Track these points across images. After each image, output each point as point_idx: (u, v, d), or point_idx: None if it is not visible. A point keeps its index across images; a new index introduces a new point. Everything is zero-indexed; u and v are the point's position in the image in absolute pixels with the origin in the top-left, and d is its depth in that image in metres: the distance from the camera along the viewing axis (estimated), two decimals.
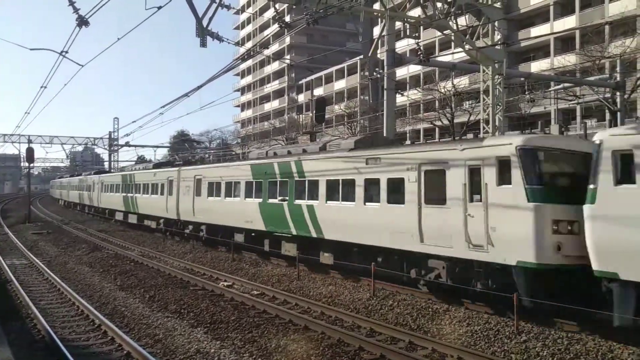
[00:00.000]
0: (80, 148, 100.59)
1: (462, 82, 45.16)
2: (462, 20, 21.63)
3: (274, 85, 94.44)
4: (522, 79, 33.57)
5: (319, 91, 71.53)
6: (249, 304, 15.19)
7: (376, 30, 39.94)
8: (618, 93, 29.85)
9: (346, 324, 13.07)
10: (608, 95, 31.20)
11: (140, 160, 66.59)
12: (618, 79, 29.86)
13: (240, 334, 12.17)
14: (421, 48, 22.98)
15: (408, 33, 21.77)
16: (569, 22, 46.81)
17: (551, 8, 49.94)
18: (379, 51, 28.48)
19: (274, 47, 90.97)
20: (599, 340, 10.83)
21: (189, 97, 23.23)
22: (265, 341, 11.52)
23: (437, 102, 48.19)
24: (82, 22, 13.76)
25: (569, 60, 40.30)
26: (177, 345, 11.37)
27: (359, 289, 16.49)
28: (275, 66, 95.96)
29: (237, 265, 22.02)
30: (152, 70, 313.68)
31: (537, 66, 48.83)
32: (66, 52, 16.30)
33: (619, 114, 29.61)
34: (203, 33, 16.49)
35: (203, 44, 16.58)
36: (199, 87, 21.91)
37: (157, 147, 65.37)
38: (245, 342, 11.54)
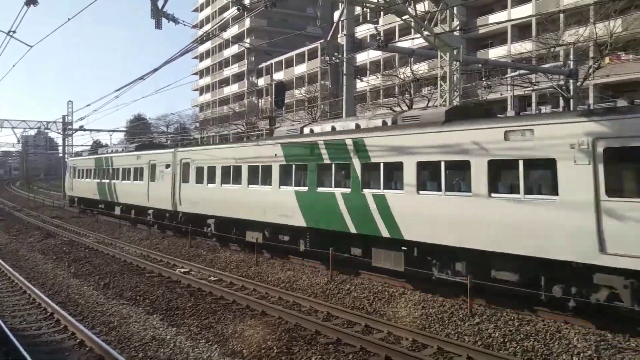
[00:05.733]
0: (32, 132, 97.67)
1: (422, 68, 45.44)
2: (421, 6, 21.70)
3: (233, 69, 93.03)
4: (480, 65, 34.01)
5: (279, 75, 70.80)
6: (205, 290, 15.09)
7: (336, 15, 39.71)
8: (571, 80, 30.62)
9: (304, 309, 13.13)
10: (562, 82, 31.98)
11: (96, 145, 65.17)
12: (571, 66, 30.63)
13: (196, 320, 12.08)
14: (380, 33, 22.97)
15: (367, 18, 21.72)
16: (526, 10, 47.50)
17: None
18: (338, 36, 28.37)
19: (234, 30, 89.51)
20: (547, 322, 11.19)
21: (144, 80, 22.74)
22: (222, 327, 11.48)
23: (396, 87, 48.40)
24: (30, 0, 13.21)
25: (525, 47, 40.99)
26: (133, 333, 11.22)
27: (317, 273, 16.59)
28: (234, 49, 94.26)
29: (195, 251, 21.83)
30: (108, 54, 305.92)
31: (494, 53, 49.50)
32: (14, 32, 15.61)
33: (571, 100, 30.42)
34: (158, 14, 16.09)
35: (158, 26, 16.17)
36: (155, 70, 21.36)
37: (113, 131, 63.54)
38: (202, 328, 11.47)
